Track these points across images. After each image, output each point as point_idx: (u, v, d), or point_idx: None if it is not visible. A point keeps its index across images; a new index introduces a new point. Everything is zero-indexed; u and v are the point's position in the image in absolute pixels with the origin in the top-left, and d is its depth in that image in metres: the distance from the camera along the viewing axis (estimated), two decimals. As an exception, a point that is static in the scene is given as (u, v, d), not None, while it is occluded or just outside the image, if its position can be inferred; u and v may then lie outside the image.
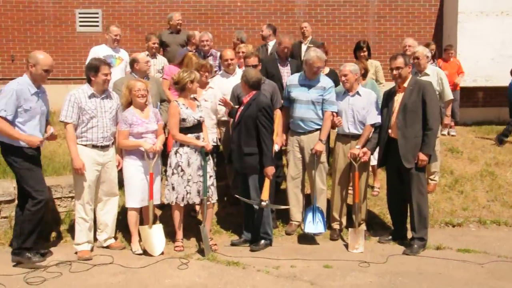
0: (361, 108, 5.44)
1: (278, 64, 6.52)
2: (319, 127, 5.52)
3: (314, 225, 5.42)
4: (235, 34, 8.21)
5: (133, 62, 5.96)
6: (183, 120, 5.06)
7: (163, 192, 5.33)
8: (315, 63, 5.45)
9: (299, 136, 5.58)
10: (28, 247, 4.68)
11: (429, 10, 9.96)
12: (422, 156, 5.10)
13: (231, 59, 6.12)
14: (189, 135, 5.09)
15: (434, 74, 6.29)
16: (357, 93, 5.51)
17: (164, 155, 5.54)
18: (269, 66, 6.45)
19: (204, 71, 5.70)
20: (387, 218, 6.01)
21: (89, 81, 4.99)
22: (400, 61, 5.19)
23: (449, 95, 6.31)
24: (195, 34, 7.56)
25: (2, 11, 9.54)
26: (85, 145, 4.92)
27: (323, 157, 5.56)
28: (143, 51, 7.09)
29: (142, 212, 5.25)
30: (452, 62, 8.61)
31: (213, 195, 5.22)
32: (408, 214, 5.43)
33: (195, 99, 5.31)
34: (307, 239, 5.52)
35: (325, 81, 5.57)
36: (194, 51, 7.00)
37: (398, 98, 5.24)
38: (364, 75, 6.13)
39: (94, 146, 4.94)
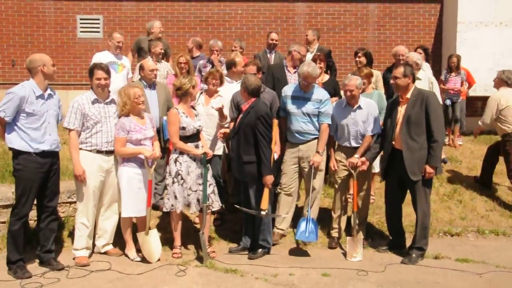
0: (362, 122, 5.43)
1: (286, 70, 6.49)
2: (316, 136, 5.51)
3: (306, 234, 5.36)
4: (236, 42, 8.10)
5: (140, 69, 5.97)
6: (183, 128, 5.05)
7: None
8: (306, 79, 5.40)
9: (297, 146, 5.55)
10: (13, 261, 4.63)
11: (429, 19, 10.02)
12: (428, 169, 5.06)
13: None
14: (189, 143, 5.09)
15: (426, 79, 6.42)
16: (359, 106, 5.45)
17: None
18: (276, 71, 6.42)
19: (212, 79, 5.68)
20: (385, 227, 5.99)
21: (92, 87, 5.03)
22: (397, 70, 5.18)
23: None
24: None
25: (3, 16, 9.58)
26: (90, 151, 4.92)
27: (322, 165, 5.56)
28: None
29: (135, 220, 5.23)
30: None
31: (214, 203, 5.21)
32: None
33: (193, 107, 5.32)
34: (297, 249, 5.48)
35: (320, 94, 5.52)
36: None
37: (402, 110, 5.19)
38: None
39: (98, 151, 4.94)
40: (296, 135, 5.54)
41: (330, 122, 5.49)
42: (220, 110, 5.46)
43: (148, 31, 7.83)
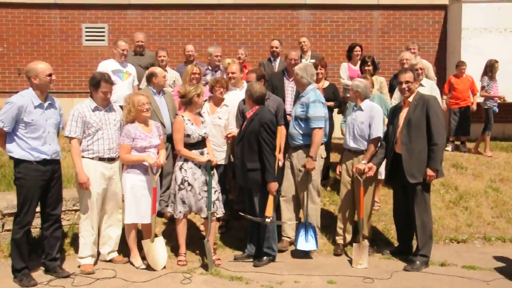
0: (360, 122, 5.44)
1: (285, 78, 6.53)
2: (303, 143, 5.46)
3: (306, 242, 5.37)
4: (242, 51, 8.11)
5: (151, 76, 5.94)
6: (188, 136, 5.06)
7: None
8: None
9: (292, 152, 5.59)
10: (18, 269, 4.63)
11: (433, 26, 10.03)
12: (429, 172, 5.08)
13: (233, 73, 6.12)
14: (193, 151, 5.10)
15: (429, 86, 6.57)
16: (360, 108, 5.51)
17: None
18: (275, 79, 6.48)
19: (219, 87, 5.66)
20: (391, 234, 5.98)
21: (92, 95, 5.02)
22: (409, 75, 5.24)
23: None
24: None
25: (10, 26, 9.66)
26: (92, 158, 4.93)
27: (314, 174, 5.50)
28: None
29: (140, 227, 5.23)
30: (464, 79, 8.62)
31: (219, 210, 5.20)
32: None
33: (200, 114, 5.33)
34: (299, 255, 5.45)
35: (308, 96, 5.47)
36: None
37: (403, 113, 5.26)
38: None
39: (100, 159, 4.95)
40: (289, 138, 5.61)
41: (320, 126, 5.38)
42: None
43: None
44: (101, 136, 4.94)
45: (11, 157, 4.66)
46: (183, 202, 5.05)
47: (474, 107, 8.65)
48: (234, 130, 5.64)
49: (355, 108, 5.54)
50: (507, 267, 5.20)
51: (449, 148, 8.43)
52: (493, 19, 9.14)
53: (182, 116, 5.13)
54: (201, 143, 5.15)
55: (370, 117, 5.42)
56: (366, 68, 6.79)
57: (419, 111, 5.12)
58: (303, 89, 5.56)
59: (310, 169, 5.41)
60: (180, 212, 5.07)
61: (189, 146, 5.09)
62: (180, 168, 5.08)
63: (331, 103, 6.49)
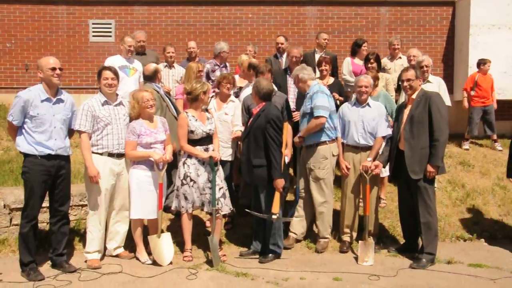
0: (371, 119, 5.43)
1: (288, 76, 6.54)
2: (317, 140, 5.45)
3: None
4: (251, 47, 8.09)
5: (156, 72, 5.97)
6: (191, 132, 5.06)
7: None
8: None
9: (305, 149, 5.58)
10: (25, 263, 4.67)
11: (441, 23, 9.96)
12: (429, 168, 5.07)
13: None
14: (198, 147, 5.10)
15: (436, 82, 6.59)
16: (368, 104, 5.50)
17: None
18: (278, 77, 6.48)
19: (226, 83, 5.68)
20: (397, 231, 5.96)
21: (100, 89, 5.07)
22: (411, 73, 5.22)
23: (447, 102, 6.32)
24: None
25: (17, 21, 9.70)
26: (101, 154, 4.94)
27: (322, 173, 5.46)
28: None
29: (147, 222, 5.25)
30: (487, 76, 8.51)
31: (224, 207, 5.19)
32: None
33: (207, 110, 5.32)
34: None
35: (312, 89, 5.48)
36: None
37: (407, 110, 5.27)
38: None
39: (110, 154, 4.97)
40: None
41: (321, 115, 5.32)
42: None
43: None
44: (110, 131, 4.96)
45: (20, 152, 4.71)
46: (186, 198, 5.06)
47: (495, 105, 8.51)
48: (238, 131, 5.63)
49: (361, 105, 5.51)
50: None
51: (500, 146, 8.28)
52: (502, 16, 9.05)
53: (186, 113, 5.14)
54: (206, 140, 5.15)
55: (379, 114, 5.41)
56: (370, 65, 6.75)
57: (422, 107, 5.12)
58: (307, 86, 5.53)
59: (297, 144, 5.55)
60: (182, 207, 5.08)
61: (194, 142, 5.09)
62: (184, 164, 5.09)
63: (340, 98, 6.46)
